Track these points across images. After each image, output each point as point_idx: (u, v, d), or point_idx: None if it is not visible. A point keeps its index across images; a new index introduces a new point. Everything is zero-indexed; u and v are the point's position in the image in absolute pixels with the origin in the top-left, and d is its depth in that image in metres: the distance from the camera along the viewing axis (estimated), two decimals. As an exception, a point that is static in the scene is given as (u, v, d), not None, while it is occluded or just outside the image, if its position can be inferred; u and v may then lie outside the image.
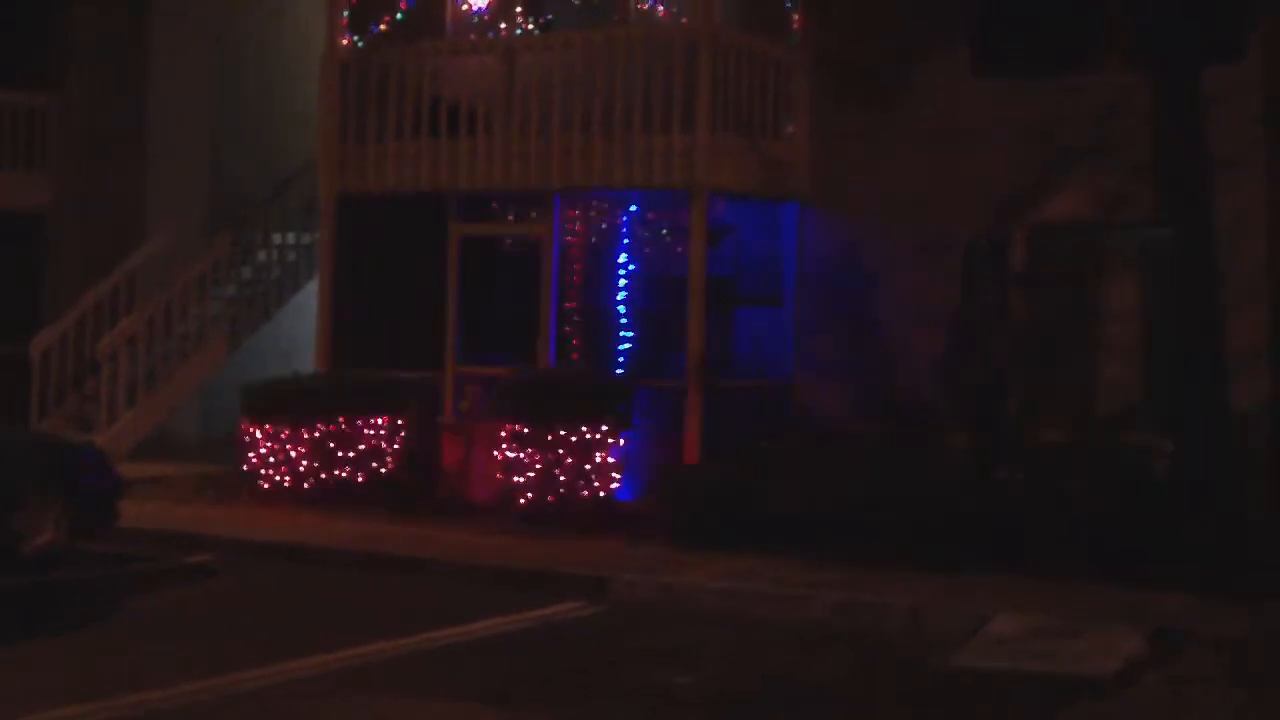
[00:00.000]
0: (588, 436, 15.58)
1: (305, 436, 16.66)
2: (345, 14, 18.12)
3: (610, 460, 15.66)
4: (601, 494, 15.68)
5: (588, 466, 15.61)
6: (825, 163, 17.06)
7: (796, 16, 17.46)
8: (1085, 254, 15.95)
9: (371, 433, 16.94)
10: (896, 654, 11.13)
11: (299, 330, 19.97)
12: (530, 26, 18.40)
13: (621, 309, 17.33)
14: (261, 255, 20.92)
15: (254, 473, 16.92)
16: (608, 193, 17.04)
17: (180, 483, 17.48)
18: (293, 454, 16.69)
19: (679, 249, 16.65)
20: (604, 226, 17.57)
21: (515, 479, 15.80)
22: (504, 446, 15.83)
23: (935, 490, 13.83)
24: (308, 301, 19.56)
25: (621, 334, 17.27)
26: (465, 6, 18.66)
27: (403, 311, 18.00)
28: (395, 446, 17.10)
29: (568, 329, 17.30)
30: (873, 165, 16.78)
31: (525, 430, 15.71)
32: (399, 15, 18.34)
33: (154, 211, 21.00)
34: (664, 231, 17.38)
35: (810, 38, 17.27)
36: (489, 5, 18.56)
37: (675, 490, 14.65)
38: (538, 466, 15.67)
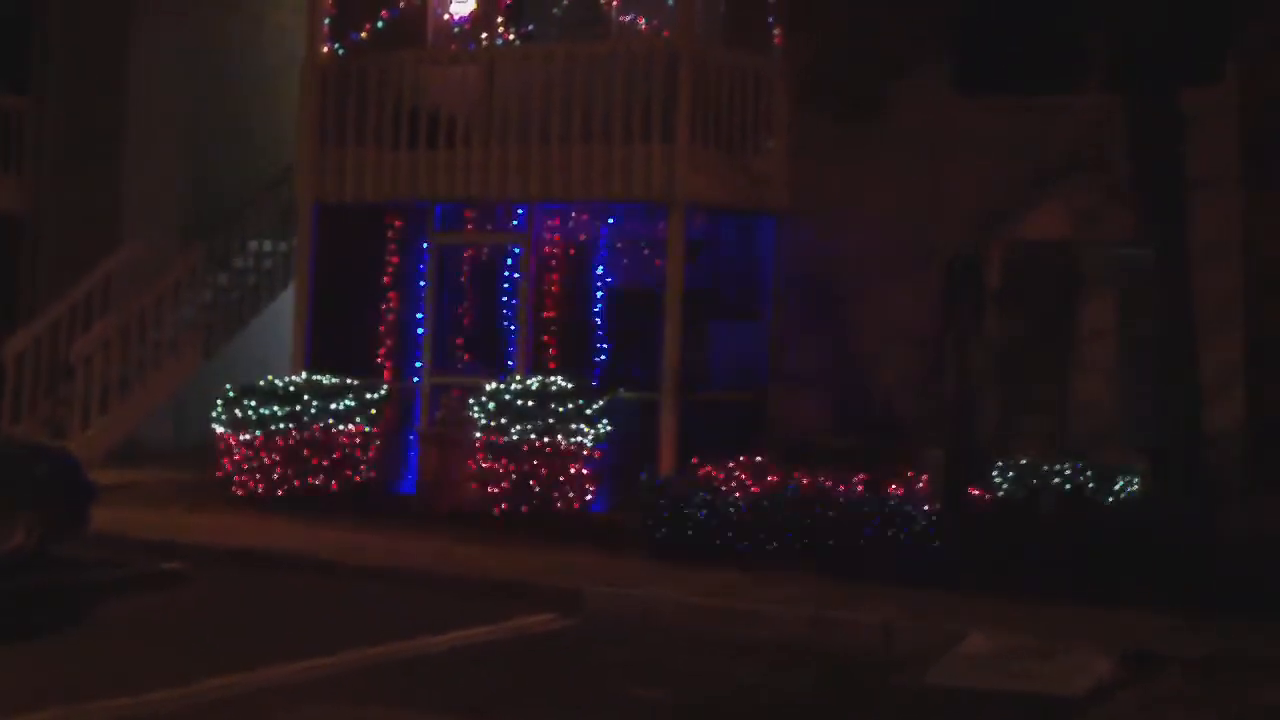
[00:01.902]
0: (564, 447, 15.57)
1: (279, 444, 16.63)
2: (326, 21, 18.08)
3: (586, 471, 15.66)
4: (577, 505, 15.68)
5: (563, 477, 15.61)
6: (804, 177, 17.08)
7: (778, 31, 17.48)
8: (1062, 272, 15.98)
9: (346, 440, 16.91)
10: (868, 671, 11.10)
11: (275, 337, 19.91)
12: (511, 37, 18.40)
13: (598, 320, 17.33)
14: (238, 261, 20.85)
15: (228, 479, 16.88)
16: (586, 204, 17.03)
17: (153, 489, 17.41)
18: (266, 461, 16.66)
19: (657, 261, 16.66)
20: (582, 238, 17.56)
21: (490, 489, 15.79)
22: (480, 456, 15.82)
23: (908, 506, 13.83)
24: (284, 308, 19.51)
25: (598, 345, 17.27)
26: (446, 16, 18.64)
27: (379, 320, 18.01)
28: (370, 455, 17.08)
29: (545, 339, 17.30)
30: (851, 180, 16.81)
31: (501, 440, 15.71)
32: (380, 24, 18.31)
33: (131, 216, 20.90)
34: (642, 243, 17.38)
35: (791, 52, 17.29)
36: (470, 16, 18.55)
37: (651, 502, 14.63)
38: (513, 476, 15.67)
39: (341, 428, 16.87)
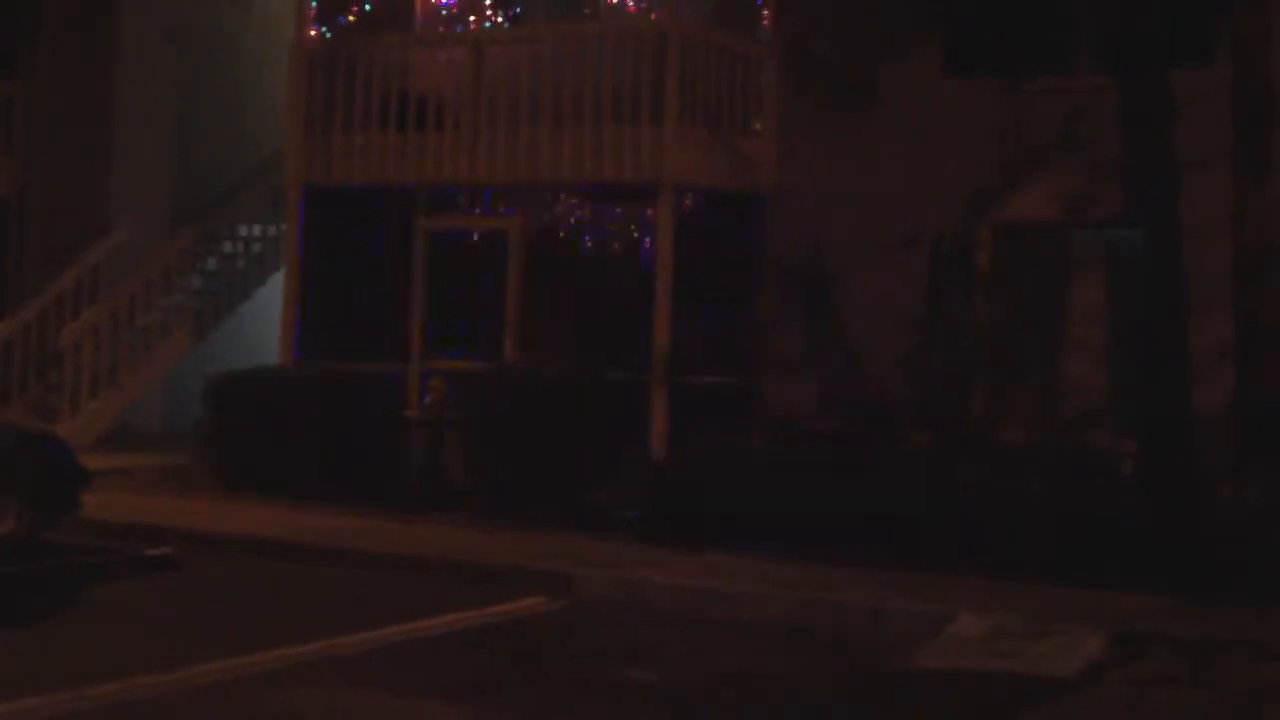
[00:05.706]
0: (554, 430, 15.55)
1: (270, 429, 16.60)
2: (314, 4, 18.06)
3: (576, 454, 15.63)
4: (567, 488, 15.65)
5: (554, 460, 15.58)
6: (793, 158, 17.07)
7: (766, 12, 17.46)
8: (1052, 254, 15.98)
9: (336, 425, 16.85)
10: (858, 652, 11.13)
11: (264, 322, 19.90)
12: (499, 19, 18.37)
13: (588, 302, 17.31)
14: (227, 247, 20.84)
15: (217, 465, 16.85)
16: (575, 186, 17.01)
17: (143, 474, 17.39)
18: (256, 446, 16.63)
19: (646, 242, 16.64)
20: (571, 220, 17.55)
21: (480, 472, 15.77)
22: (470, 439, 15.80)
23: (899, 490, 13.83)
24: (273, 293, 19.49)
25: (587, 327, 17.24)
26: (434, -1, 18.62)
27: (369, 304, 17.98)
28: (360, 439, 17.04)
29: (534, 322, 17.27)
30: (840, 162, 16.80)
31: (491, 423, 15.69)
32: (367, 6, 18.29)
33: (119, 201, 20.86)
34: (631, 225, 17.36)
35: (780, 33, 17.28)
36: (458, -2, 18.52)
37: (641, 487, 14.63)
38: (503, 460, 15.65)
39: (331, 412, 16.82)
